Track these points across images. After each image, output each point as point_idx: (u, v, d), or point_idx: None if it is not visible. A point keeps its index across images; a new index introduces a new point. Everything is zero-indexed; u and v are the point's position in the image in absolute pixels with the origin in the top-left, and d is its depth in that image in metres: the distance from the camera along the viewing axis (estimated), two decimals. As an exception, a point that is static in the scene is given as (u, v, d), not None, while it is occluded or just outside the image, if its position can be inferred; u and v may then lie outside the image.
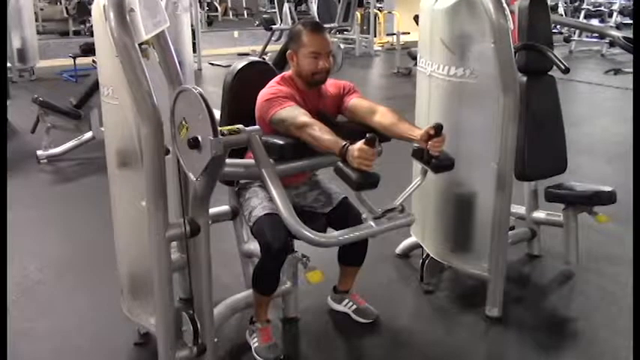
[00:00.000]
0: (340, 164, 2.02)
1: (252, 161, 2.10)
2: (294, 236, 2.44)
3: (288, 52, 2.42)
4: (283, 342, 2.58)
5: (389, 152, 2.38)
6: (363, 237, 2.25)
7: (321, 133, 2.10)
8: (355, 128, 2.34)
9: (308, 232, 1.98)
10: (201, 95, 1.85)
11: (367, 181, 1.98)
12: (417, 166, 2.32)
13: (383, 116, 2.32)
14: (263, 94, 2.34)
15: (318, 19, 9.97)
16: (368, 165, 1.96)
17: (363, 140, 1.96)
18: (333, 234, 2.11)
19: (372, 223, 2.11)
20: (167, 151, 2.10)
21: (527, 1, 2.94)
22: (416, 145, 2.23)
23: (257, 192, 2.46)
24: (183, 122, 1.95)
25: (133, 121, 2.05)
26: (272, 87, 2.36)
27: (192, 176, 1.98)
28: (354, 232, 2.14)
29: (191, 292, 2.28)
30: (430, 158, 2.19)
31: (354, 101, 2.43)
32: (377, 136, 1.98)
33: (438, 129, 2.14)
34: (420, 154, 2.21)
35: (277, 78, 2.43)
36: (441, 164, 2.20)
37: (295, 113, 2.20)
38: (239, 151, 2.27)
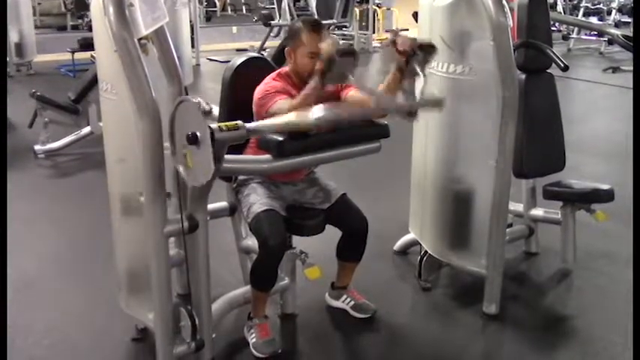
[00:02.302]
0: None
1: (251, 157, 2.10)
2: (293, 232, 2.46)
3: (287, 48, 2.41)
4: (281, 338, 2.58)
5: (388, 151, 2.38)
6: (391, 110, 2.22)
7: (300, 96, 2.14)
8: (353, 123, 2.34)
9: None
10: (198, 104, 1.84)
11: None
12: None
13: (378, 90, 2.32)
14: (258, 91, 2.34)
15: (316, 15, 9.96)
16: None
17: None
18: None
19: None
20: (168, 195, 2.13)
21: (527, -2, 2.94)
22: (397, 64, 2.19)
23: (255, 188, 2.46)
24: (185, 151, 1.94)
25: (132, 116, 2.04)
26: (267, 83, 2.36)
27: (201, 183, 1.96)
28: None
29: (189, 287, 2.28)
30: (411, 57, 2.14)
31: (350, 94, 2.43)
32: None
33: (394, 34, 2.16)
34: (405, 64, 2.16)
35: (273, 74, 2.43)
36: (423, 43, 2.18)
37: (285, 105, 2.20)
38: (238, 148, 2.27)
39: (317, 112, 1.93)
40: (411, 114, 2.20)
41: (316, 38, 2.33)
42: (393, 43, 2.14)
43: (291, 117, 1.99)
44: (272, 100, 2.25)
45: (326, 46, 2.11)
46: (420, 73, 2.16)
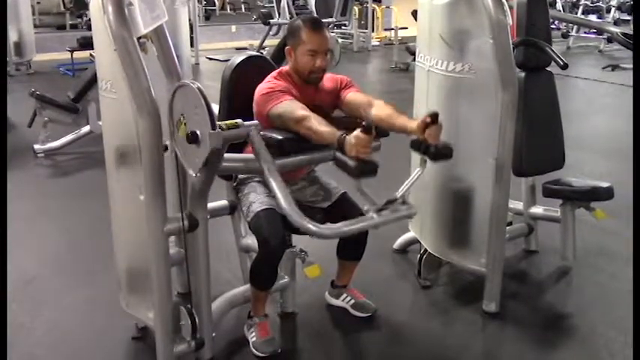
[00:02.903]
0: (338, 154, 2.02)
1: (250, 156, 2.10)
2: (292, 231, 2.46)
3: (287, 47, 2.41)
4: (281, 337, 2.58)
5: (387, 147, 2.38)
6: (365, 228, 2.24)
7: (318, 125, 2.11)
8: (352, 122, 2.34)
9: (310, 224, 1.98)
10: (199, 90, 1.85)
11: (366, 168, 1.98)
12: (417, 158, 2.32)
13: (380, 109, 2.32)
14: (260, 89, 2.33)
15: (315, 14, 9.96)
16: (365, 152, 1.97)
17: (360, 128, 1.96)
18: (335, 225, 2.09)
19: (374, 215, 2.09)
20: (165, 148, 2.10)
21: (526, -4, 2.94)
22: (414, 136, 2.22)
23: (255, 187, 2.46)
24: (182, 118, 1.95)
25: (132, 115, 2.04)
26: (269, 82, 2.36)
27: (191, 172, 1.98)
28: (357, 224, 2.12)
29: (189, 286, 2.29)
30: (428, 148, 2.17)
31: (350, 95, 2.43)
32: (373, 124, 1.99)
33: (434, 117, 2.13)
34: (418, 145, 2.19)
35: (274, 73, 2.43)
36: (439, 152, 2.18)
37: (292, 107, 2.20)
38: (237, 146, 2.27)
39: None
40: (435, 157, 2.20)
41: (316, 36, 2.33)
42: (427, 123, 2.12)
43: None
44: (277, 99, 2.25)
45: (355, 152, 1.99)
46: (422, 161, 2.22)
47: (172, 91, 1.98)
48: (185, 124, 1.93)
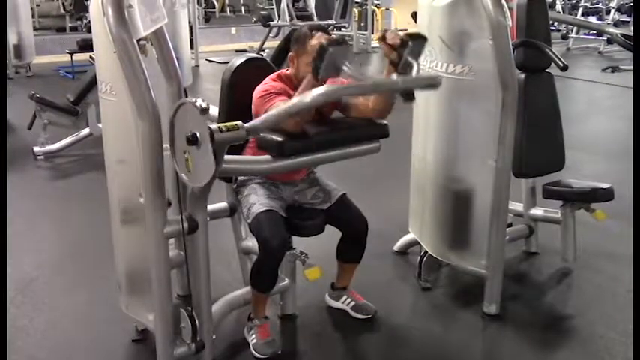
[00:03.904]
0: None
1: (251, 158, 2.10)
2: (293, 233, 2.46)
3: (290, 53, 2.40)
4: (281, 339, 2.58)
5: (387, 151, 2.38)
6: (387, 88, 2.19)
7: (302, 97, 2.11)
8: (352, 123, 2.35)
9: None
10: (199, 105, 1.85)
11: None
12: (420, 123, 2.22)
13: (374, 102, 2.31)
14: (257, 91, 2.34)
15: (315, 16, 9.97)
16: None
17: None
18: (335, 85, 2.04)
19: (395, 77, 2.07)
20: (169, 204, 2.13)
21: (526, -2, 2.94)
22: (391, 59, 2.15)
23: (256, 189, 2.46)
24: (186, 156, 1.94)
25: (131, 118, 2.04)
26: (266, 83, 2.36)
27: (197, 184, 1.97)
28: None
29: (189, 288, 2.28)
30: (400, 44, 2.12)
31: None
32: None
33: (383, 32, 2.15)
34: (397, 62, 2.13)
35: (273, 74, 2.42)
36: (411, 33, 2.15)
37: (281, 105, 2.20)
38: (237, 149, 2.27)
39: (317, 90, 1.92)
40: (408, 95, 2.18)
41: None
42: (383, 38, 2.14)
43: (291, 101, 1.99)
44: (271, 100, 2.25)
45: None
46: (414, 62, 2.15)
47: (174, 110, 1.97)
48: (187, 160, 1.94)
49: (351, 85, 2.11)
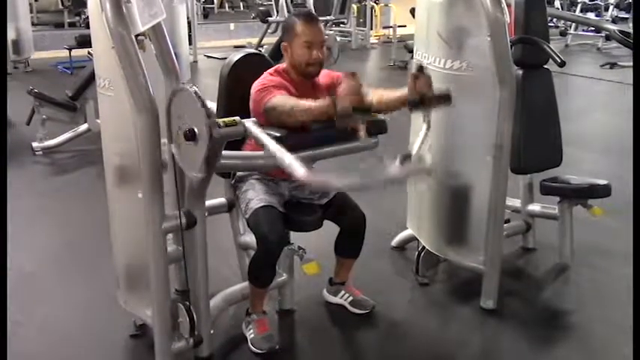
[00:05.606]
0: (339, 122, 2.01)
1: (249, 153, 2.10)
2: (291, 228, 2.46)
3: (283, 43, 2.42)
4: (279, 334, 2.58)
5: (385, 147, 2.38)
6: (380, 183, 2.23)
7: (310, 103, 2.12)
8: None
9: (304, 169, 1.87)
10: (196, 94, 1.85)
11: (375, 127, 2.05)
12: (419, 124, 2.29)
13: (372, 95, 2.32)
14: (255, 86, 2.34)
15: (314, 12, 9.93)
16: (359, 96, 2.00)
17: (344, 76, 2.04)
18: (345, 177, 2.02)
19: (389, 169, 2.08)
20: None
21: (524, -6, 2.94)
22: (409, 98, 2.19)
23: (254, 184, 2.46)
24: (179, 130, 1.95)
25: (130, 113, 2.04)
26: (264, 78, 2.36)
27: (194, 174, 1.97)
28: (371, 177, 2.08)
29: (187, 283, 2.29)
30: (425, 96, 2.14)
31: None
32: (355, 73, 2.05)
33: (419, 69, 2.14)
34: (415, 103, 2.17)
35: (271, 70, 2.43)
36: (439, 95, 2.18)
37: (284, 100, 2.20)
38: (235, 144, 2.27)
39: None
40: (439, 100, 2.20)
41: (310, 28, 2.34)
42: (415, 78, 2.14)
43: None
44: (270, 94, 2.25)
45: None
46: (425, 119, 2.22)
47: (169, 97, 1.97)
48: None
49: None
